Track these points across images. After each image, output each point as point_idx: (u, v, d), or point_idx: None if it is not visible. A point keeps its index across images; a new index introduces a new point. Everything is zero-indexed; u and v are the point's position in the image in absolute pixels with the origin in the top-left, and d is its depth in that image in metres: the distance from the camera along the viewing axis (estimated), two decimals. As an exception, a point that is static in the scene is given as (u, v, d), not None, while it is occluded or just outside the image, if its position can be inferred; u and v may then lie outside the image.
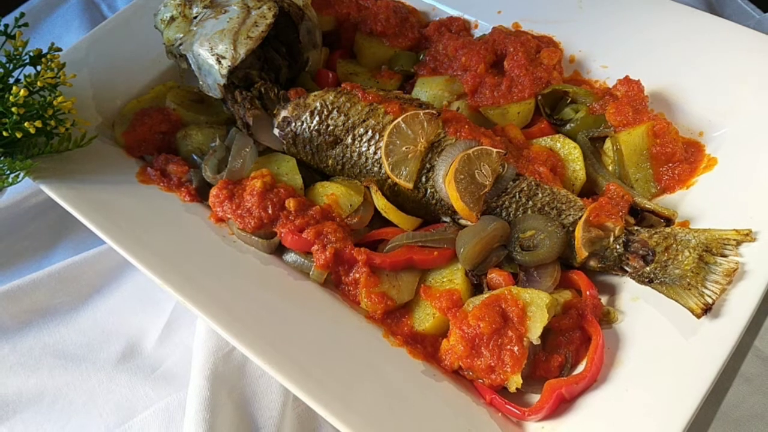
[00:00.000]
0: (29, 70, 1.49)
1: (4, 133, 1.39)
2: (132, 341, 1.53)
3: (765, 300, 1.24)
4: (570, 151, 1.51)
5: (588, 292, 1.32)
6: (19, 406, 1.43)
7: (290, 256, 1.44)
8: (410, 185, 1.44)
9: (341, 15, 1.87)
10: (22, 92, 1.37)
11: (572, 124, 1.59)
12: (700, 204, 1.41)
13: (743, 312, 1.18)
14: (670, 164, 1.49)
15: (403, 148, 1.44)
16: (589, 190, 1.51)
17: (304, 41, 1.71)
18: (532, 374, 1.25)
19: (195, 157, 1.61)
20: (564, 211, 1.39)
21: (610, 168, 1.51)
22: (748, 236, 1.26)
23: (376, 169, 1.49)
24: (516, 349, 1.21)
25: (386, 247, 1.41)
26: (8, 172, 1.42)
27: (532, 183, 1.42)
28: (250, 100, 1.56)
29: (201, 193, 1.54)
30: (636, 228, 1.36)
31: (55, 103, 1.44)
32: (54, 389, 1.45)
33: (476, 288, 1.38)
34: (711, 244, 1.27)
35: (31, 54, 1.49)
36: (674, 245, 1.29)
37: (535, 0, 1.83)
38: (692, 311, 1.19)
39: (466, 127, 1.47)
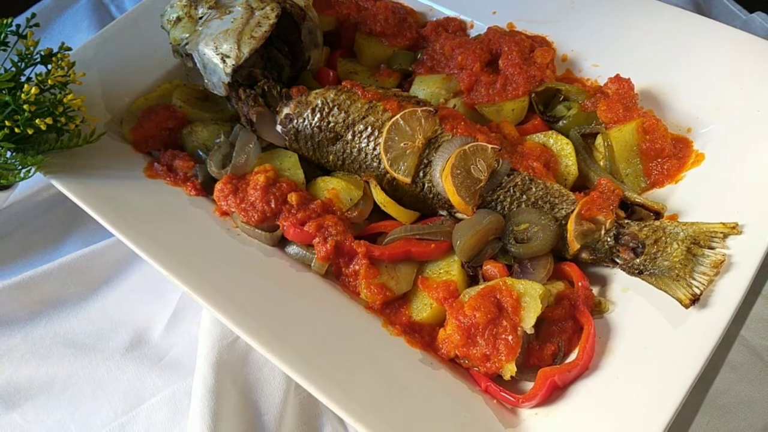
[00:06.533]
0: (40, 68, 1.50)
1: (16, 130, 1.40)
2: (139, 331, 1.54)
3: (751, 290, 1.25)
4: (563, 147, 1.52)
5: (580, 283, 1.33)
6: (30, 393, 1.45)
7: (292, 249, 1.46)
8: (408, 180, 1.45)
9: (341, 15, 1.88)
10: (33, 90, 1.38)
11: (565, 121, 1.60)
12: (689, 198, 1.42)
13: (730, 302, 1.18)
14: (659, 160, 1.50)
15: (402, 144, 1.45)
16: (581, 185, 1.52)
17: (306, 41, 1.72)
18: (525, 362, 1.26)
19: (200, 153, 1.62)
20: (557, 205, 1.41)
21: (602, 163, 1.52)
22: (734, 229, 1.27)
23: (375, 164, 1.50)
24: (510, 338, 1.22)
25: (385, 240, 1.42)
26: (20, 167, 1.44)
27: (526, 178, 1.43)
28: (253, 97, 1.58)
29: (206, 188, 1.55)
30: (626, 221, 1.37)
31: (65, 100, 1.45)
32: (64, 377, 1.47)
33: (472, 279, 1.39)
34: (699, 237, 1.28)
35: (42, 53, 1.50)
36: (663, 238, 1.30)
37: (529, 1, 1.83)
38: (681, 302, 1.21)
39: (462, 123, 1.49)
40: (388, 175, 1.49)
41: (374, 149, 1.50)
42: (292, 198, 1.44)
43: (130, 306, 1.59)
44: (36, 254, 1.70)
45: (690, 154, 1.51)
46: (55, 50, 1.53)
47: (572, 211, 1.38)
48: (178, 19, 1.66)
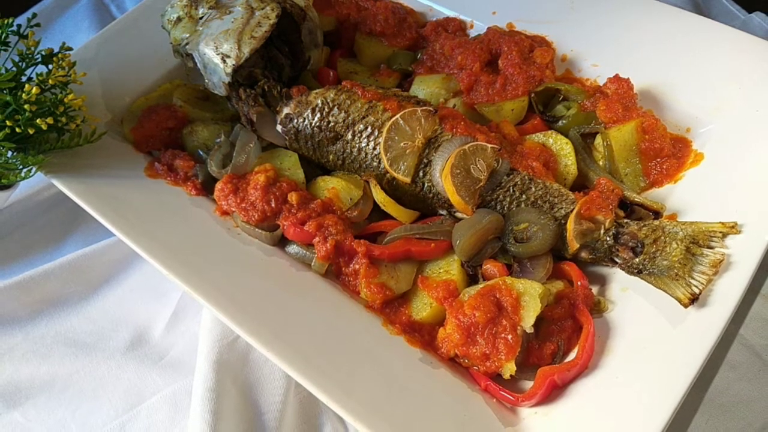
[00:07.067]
0: (41, 68, 1.50)
1: (17, 129, 1.40)
2: (140, 330, 1.55)
3: (750, 290, 1.26)
4: (562, 147, 1.52)
5: (579, 283, 1.34)
6: (31, 391, 1.45)
7: (292, 248, 1.46)
8: (408, 179, 1.46)
9: (342, 15, 1.88)
10: (34, 90, 1.38)
11: (564, 121, 1.60)
12: (688, 197, 1.42)
13: (729, 301, 1.18)
14: (659, 159, 1.51)
15: (402, 144, 1.46)
16: (581, 185, 1.52)
17: (306, 41, 1.73)
18: (525, 361, 1.26)
19: (201, 153, 1.63)
20: (556, 205, 1.41)
21: (601, 163, 1.52)
22: (733, 228, 1.27)
23: (375, 164, 1.51)
24: (510, 337, 1.22)
25: (385, 239, 1.43)
26: (21, 167, 1.44)
27: (526, 177, 1.44)
28: (253, 97, 1.58)
29: (206, 187, 1.55)
30: (625, 221, 1.38)
31: (66, 100, 1.45)
32: (65, 376, 1.47)
33: (472, 278, 1.39)
34: (698, 236, 1.28)
35: (43, 53, 1.50)
36: (662, 237, 1.30)
37: (528, 1, 1.84)
38: (680, 301, 1.21)
39: (462, 123, 1.49)
40: (388, 175, 1.49)
41: (374, 149, 1.50)
42: (293, 197, 1.44)
43: (131, 305, 1.59)
44: (37, 253, 1.70)
45: (689, 153, 1.52)
46: (56, 50, 1.53)
47: (572, 211, 1.38)
48: (179, 19, 1.67)
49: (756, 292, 1.48)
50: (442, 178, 1.42)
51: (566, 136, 1.56)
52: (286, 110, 1.58)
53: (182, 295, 1.58)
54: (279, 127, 1.60)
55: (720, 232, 1.28)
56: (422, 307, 1.36)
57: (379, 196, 1.47)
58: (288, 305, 1.33)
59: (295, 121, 1.57)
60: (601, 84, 1.65)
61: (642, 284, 1.30)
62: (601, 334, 1.27)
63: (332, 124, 1.54)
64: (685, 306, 1.20)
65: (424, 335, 1.34)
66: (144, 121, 1.65)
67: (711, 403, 1.36)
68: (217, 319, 1.42)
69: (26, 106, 1.39)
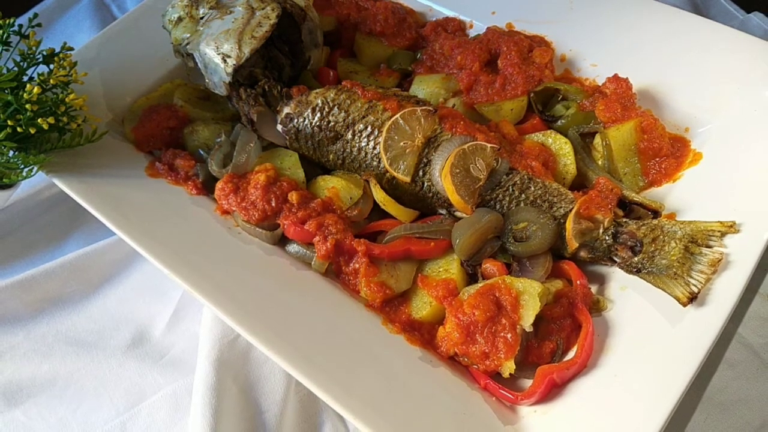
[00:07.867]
0: (42, 68, 1.51)
1: (19, 129, 1.40)
2: (141, 329, 1.55)
3: (748, 289, 1.27)
4: (561, 146, 1.53)
5: (578, 282, 1.34)
6: (33, 390, 1.45)
7: (293, 247, 1.46)
8: (408, 179, 1.46)
9: (342, 15, 1.88)
10: (35, 90, 1.39)
11: (563, 121, 1.61)
12: (686, 197, 1.42)
13: (727, 300, 1.18)
14: (658, 159, 1.51)
15: (401, 143, 1.46)
16: (580, 184, 1.53)
17: (306, 41, 1.73)
18: (524, 360, 1.27)
19: (201, 152, 1.63)
20: (555, 204, 1.41)
21: (600, 162, 1.53)
22: (732, 228, 1.27)
23: (375, 163, 1.51)
24: (509, 336, 1.23)
25: (385, 239, 1.43)
26: (22, 166, 1.44)
27: (525, 177, 1.44)
28: (254, 97, 1.58)
29: (207, 187, 1.55)
30: (624, 220, 1.38)
31: (67, 100, 1.46)
32: (66, 374, 1.48)
33: (471, 277, 1.40)
34: (696, 236, 1.28)
35: (44, 53, 1.50)
36: (661, 236, 1.31)
37: (528, 1, 1.84)
38: (678, 300, 1.21)
39: (462, 123, 1.49)
40: (387, 174, 1.50)
41: (374, 148, 1.50)
42: (293, 197, 1.44)
43: (132, 304, 1.59)
44: (38, 253, 1.71)
45: (688, 153, 1.52)
46: (57, 50, 1.53)
47: (571, 210, 1.39)
48: (180, 19, 1.67)
49: (754, 291, 1.49)
50: (442, 177, 1.42)
51: (565, 135, 1.56)
52: (286, 110, 1.58)
53: (183, 294, 1.58)
54: (279, 127, 1.60)
55: (718, 231, 1.28)
56: (422, 306, 1.37)
57: (379, 195, 1.48)
58: (288, 304, 1.33)
59: (296, 120, 1.57)
60: (600, 84, 1.66)
61: (641, 283, 1.30)
62: (600, 333, 1.27)
63: (332, 123, 1.54)
64: (684, 305, 1.21)
65: (423, 334, 1.34)
66: (145, 121, 1.65)
67: (709, 402, 1.36)
68: (218, 318, 1.42)
69: (27, 106, 1.40)
